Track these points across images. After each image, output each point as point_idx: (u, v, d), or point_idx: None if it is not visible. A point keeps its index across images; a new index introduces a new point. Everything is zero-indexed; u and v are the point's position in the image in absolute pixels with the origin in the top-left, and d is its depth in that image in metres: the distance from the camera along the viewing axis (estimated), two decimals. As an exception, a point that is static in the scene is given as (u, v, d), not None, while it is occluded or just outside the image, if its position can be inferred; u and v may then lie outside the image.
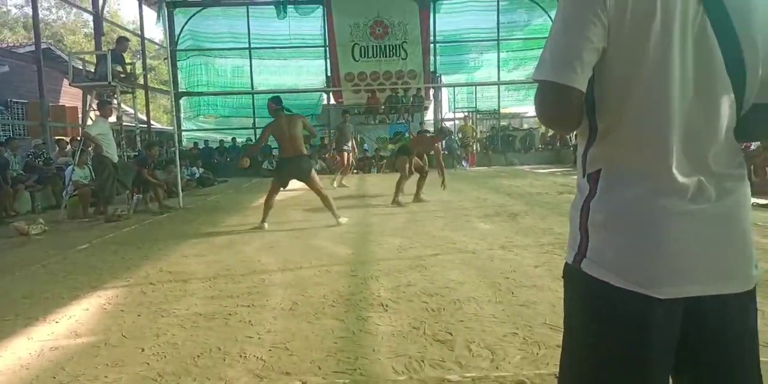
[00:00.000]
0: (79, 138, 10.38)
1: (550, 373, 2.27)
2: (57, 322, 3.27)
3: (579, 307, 1.08)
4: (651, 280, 0.97)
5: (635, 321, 0.98)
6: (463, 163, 17.57)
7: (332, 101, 20.22)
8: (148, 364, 2.57)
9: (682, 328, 0.99)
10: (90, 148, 8.89)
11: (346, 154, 12.09)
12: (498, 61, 20.15)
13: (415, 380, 2.27)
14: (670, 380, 1.07)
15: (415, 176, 8.62)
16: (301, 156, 6.67)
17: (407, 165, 8.42)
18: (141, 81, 15.31)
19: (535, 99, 1.05)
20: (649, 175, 0.99)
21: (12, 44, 16.51)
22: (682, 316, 0.98)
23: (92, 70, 10.20)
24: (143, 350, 2.74)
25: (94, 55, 10.78)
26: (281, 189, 6.78)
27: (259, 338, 2.85)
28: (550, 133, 20.14)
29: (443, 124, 18.17)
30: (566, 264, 1.12)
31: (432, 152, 8.82)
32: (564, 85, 0.97)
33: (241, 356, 2.61)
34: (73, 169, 8.74)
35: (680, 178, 0.97)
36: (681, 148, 0.98)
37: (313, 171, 6.81)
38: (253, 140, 19.19)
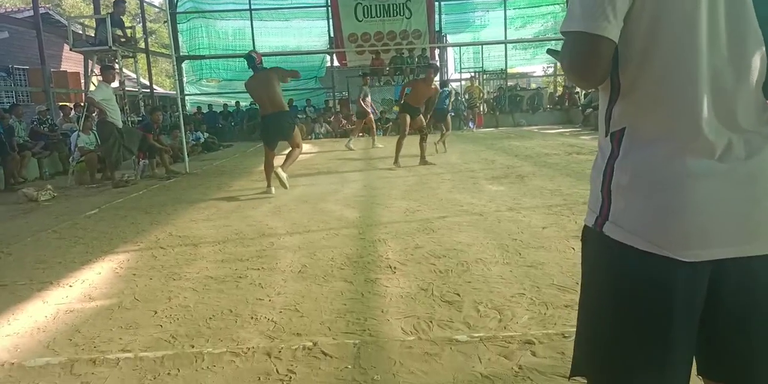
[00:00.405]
0: (82, 104, 10.32)
1: (558, 332, 2.30)
2: (71, 286, 3.33)
3: (599, 270, 1.06)
4: (676, 243, 0.94)
5: (659, 285, 0.95)
6: (470, 124, 17.40)
7: (336, 63, 19.90)
8: (161, 326, 2.62)
9: (708, 292, 0.96)
10: (94, 114, 8.86)
11: (371, 115, 12.73)
12: (505, 19, 19.66)
13: (423, 340, 2.31)
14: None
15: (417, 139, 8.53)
16: (282, 112, 6.35)
17: (406, 122, 8.30)
18: (142, 45, 15.08)
19: (563, 53, 0.99)
20: (675, 134, 0.95)
21: (10, 9, 16.19)
22: (708, 281, 0.96)
23: (92, 35, 10.05)
24: (156, 313, 2.79)
25: (94, 20, 10.59)
26: (273, 153, 6.47)
27: (270, 300, 2.89)
28: (558, 92, 19.89)
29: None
30: (585, 227, 1.09)
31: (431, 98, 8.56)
32: (596, 34, 0.92)
33: (252, 318, 2.66)
34: (78, 135, 8.73)
35: (708, 136, 0.93)
36: (709, 104, 0.93)
37: (296, 129, 6.59)
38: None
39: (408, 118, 8.30)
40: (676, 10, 0.92)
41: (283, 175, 6.28)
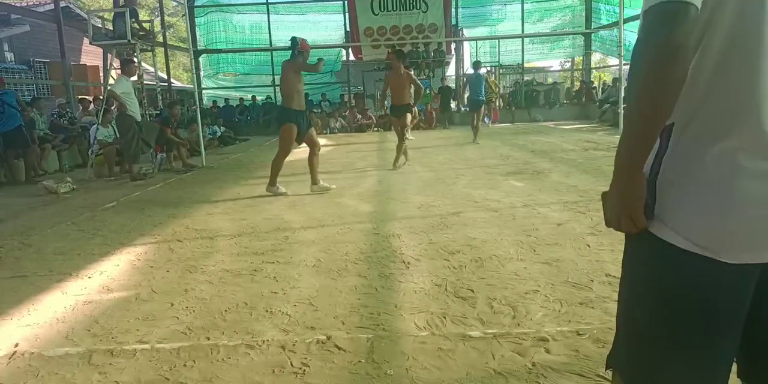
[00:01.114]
0: (101, 97, 10.43)
1: (572, 330, 2.29)
2: (89, 277, 3.38)
3: (640, 265, 1.02)
4: (720, 244, 0.90)
5: (701, 285, 0.92)
6: (486, 119, 17.29)
7: (351, 57, 19.87)
8: (177, 318, 2.65)
9: (755, 296, 0.92)
10: (113, 107, 8.95)
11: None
12: (522, 13, 19.43)
13: (437, 336, 2.31)
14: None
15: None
16: (304, 111, 6.04)
17: (396, 124, 7.66)
18: (160, 39, 15.19)
19: (643, 31, 0.90)
20: (729, 131, 0.90)
21: (32, 3, 16.38)
22: (757, 283, 0.92)
23: (111, 29, 10.14)
24: (173, 305, 2.83)
25: (112, 14, 10.69)
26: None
27: (285, 294, 2.91)
28: (576, 88, 19.68)
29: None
30: None
31: (413, 87, 7.78)
32: (682, 1, 0.85)
33: (267, 311, 2.68)
34: (97, 128, 8.83)
35: (766, 135, 0.88)
36: None
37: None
38: (273, 98, 19.12)
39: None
40: None
41: (324, 184, 6.07)
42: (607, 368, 1.12)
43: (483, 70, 12.43)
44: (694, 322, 0.93)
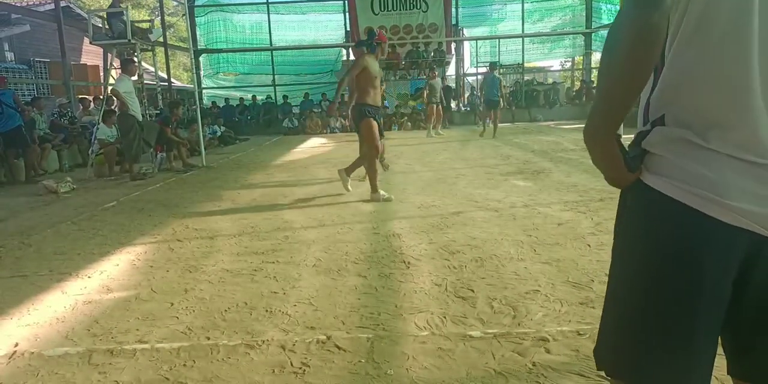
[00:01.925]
0: (101, 96, 10.43)
1: (573, 330, 2.29)
2: (89, 277, 3.38)
3: (631, 215, 1.00)
4: (709, 191, 0.88)
5: (689, 237, 0.90)
6: (487, 119, 17.28)
7: (351, 57, 19.87)
8: (177, 318, 2.65)
9: (741, 267, 0.90)
10: (114, 106, 8.95)
11: (434, 106, 13.68)
12: (522, 13, 19.44)
13: (437, 336, 2.31)
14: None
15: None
16: (380, 108, 5.54)
17: (373, 131, 5.48)
18: (160, 38, 15.19)
19: (614, 24, 0.91)
20: (720, 123, 0.88)
21: (32, 2, 16.38)
22: (744, 255, 0.89)
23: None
24: (172, 305, 2.82)
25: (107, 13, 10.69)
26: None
27: (285, 294, 2.91)
28: (576, 88, 19.67)
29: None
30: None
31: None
32: None
33: (267, 311, 2.68)
34: (98, 128, 8.83)
35: (758, 132, 0.86)
36: (762, 96, 0.86)
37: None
38: (273, 98, 19.12)
39: (373, 123, 5.46)
40: None
41: (347, 177, 5.75)
42: (598, 368, 1.10)
43: (498, 75, 12.69)
44: (681, 274, 0.91)
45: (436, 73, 14.21)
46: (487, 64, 13.59)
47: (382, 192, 5.38)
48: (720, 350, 0.97)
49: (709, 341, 0.93)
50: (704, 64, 0.89)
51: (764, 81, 0.86)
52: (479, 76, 19.43)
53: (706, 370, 0.94)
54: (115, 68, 9.16)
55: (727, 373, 1.01)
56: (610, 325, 1.04)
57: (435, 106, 13.58)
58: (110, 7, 9.73)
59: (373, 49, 5.43)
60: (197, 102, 10.75)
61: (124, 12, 9.25)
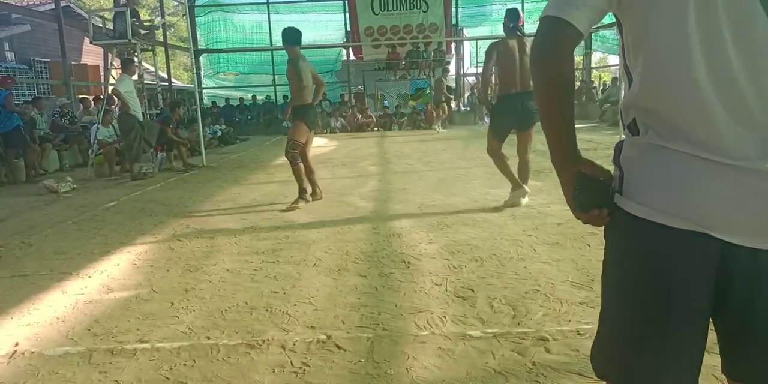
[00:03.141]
0: (102, 96, 10.44)
1: (572, 329, 2.29)
2: (90, 277, 3.38)
3: (609, 236, 1.06)
4: (677, 210, 0.92)
5: (654, 248, 0.95)
6: (486, 119, 17.29)
7: (351, 57, 19.88)
8: (177, 317, 2.65)
9: (719, 271, 0.93)
10: (115, 106, 8.95)
11: (445, 104, 15.45)
12: (522, 13, 19.43)
13: (437, 335, 2.31)
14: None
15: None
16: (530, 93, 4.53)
17: (306, 136, 5.23)
18: (160, 38, 15.21)
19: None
20: (681, 127, 0.91)
21: (32, 2, 16.38)
22: (719, 261, 0.92)
23: (112, 28, 10.13)
24: (173, 304, 2.83)
25: (112, 13, 10.69)
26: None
27: (285, 293, 2.91)
28: (576, 87, 19.65)
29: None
30: None
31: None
32: (560, 18, 0.95)
33: (267, 310, 2.68)
34: (98, 128, 8.83)
35: (717, 131, 0.88)
36: (715, 95, 0.88)
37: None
38: (273, 98, 19.10)
39: (305, 127, 5.15)
40: None
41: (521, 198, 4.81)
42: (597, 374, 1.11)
43: None
44: (651, 285, 0.96)
45: (446, 73, 15.43)
46: None
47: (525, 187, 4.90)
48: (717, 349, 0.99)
49: (688, 340, 0.96)
50: (652, 68, 0.93)
51: (714, 80, 0.87)
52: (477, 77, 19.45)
53: (686, 364, 0.97)
54: (116, 68, 9.16)
55: (721, 372, 1.03)
56: (600, 332, 1.10)
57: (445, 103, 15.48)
58: (123, 5, 9.70)
59: (517, 35, 4.79)
60: (197, 102, 10.75)
61: (125, 12, 9.24)
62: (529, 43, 4.53)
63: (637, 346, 0.98)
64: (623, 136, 1.05)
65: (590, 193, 1.03)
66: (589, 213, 1.03)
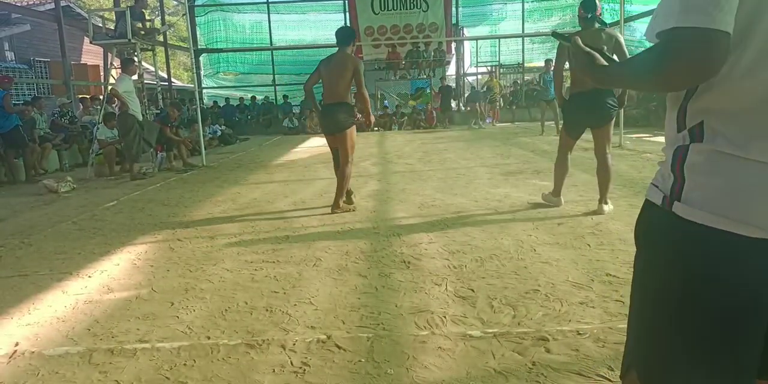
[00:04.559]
0: (101, 96, 10.44)
1: (572, 329, 2.29)
2: (90, 276, 3.38)
3: (655, 246, 0.98)
4: (744, 215, 0.86)
5: (727, 258, 0.88)
6: (488, 119, 17.31)
7: (351, 56, 19.85)
8: (177, 317, 2.65)
9: None
10: (115, 106, 8.95)
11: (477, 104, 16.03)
12: (522, 12, 19.44)
13: (437, 335, 2.31)
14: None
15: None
16: (604, 92, 4.31)
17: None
18: (160, 38, 15.20)
19: (660, 55, 0.87)
20: (759, 135, 0.86)
21: (32, 2, 16.38)
22: None
23: (112, 28, 10.14)
24: (173, 304, 2.83)
25: (114, 13, 10.69)
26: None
27: (285, 293, 2.91)
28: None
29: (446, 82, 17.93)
30: (647, 208, 1.01)
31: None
32: (716, 29, 0.80)
33: (267, 310, 2.68)
34: (98, 128, 8.83)
35: None
36: None
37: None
38: (273, 98, 19.10)
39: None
40: None
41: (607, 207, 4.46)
42: (622, 375, 1.09)
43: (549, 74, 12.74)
44: (730, 307, 0.89)
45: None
46: (544, 62, 13.84)
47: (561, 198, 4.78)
48: None
49: (757, 357, 0.92)
50: (747, 74, 0.86)
51: None
52: (479, 76, 19.45)
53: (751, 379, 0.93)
54: (116, 68, 9.16)
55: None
56: (642, 345, 1.03)
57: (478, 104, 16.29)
58: (130, 6, 9.70)
59: (591, 25, 4.44)
60: (197, 102, 10.75)
61: (126, 11, 9.25)
62: (612, 34, 4.27)
63: (709, 369, 0.92)
64: (670, 140, 0.98)
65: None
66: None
